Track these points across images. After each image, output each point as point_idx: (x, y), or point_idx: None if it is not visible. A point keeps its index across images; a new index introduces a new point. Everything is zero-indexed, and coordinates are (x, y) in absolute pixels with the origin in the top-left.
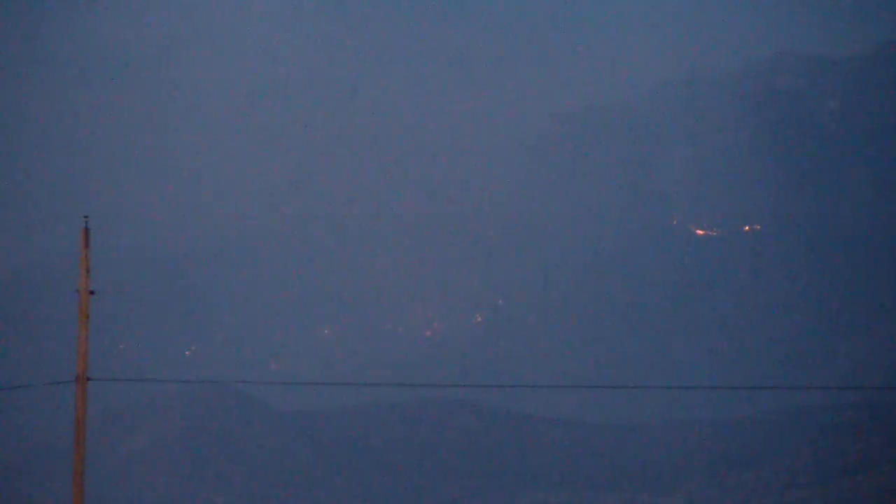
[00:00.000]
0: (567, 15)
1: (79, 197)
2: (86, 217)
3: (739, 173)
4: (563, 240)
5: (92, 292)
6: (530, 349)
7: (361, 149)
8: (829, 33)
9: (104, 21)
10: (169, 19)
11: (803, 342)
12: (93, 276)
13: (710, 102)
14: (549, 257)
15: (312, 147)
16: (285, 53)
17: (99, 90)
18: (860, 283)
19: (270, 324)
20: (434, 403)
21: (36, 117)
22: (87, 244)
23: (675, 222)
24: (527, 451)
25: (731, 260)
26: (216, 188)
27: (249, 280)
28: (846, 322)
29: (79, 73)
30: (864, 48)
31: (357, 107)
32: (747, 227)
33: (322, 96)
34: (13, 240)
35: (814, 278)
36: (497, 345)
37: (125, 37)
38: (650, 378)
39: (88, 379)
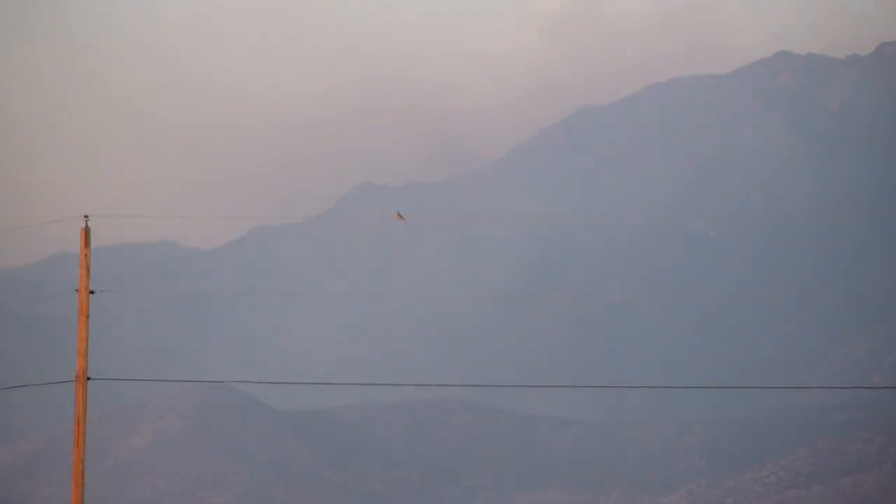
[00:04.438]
0: (566, 11)
1: (79, 197)
2: (86, 217)
3: (740, 173)
4: (562, 240)
5: (92, 292)
6: (530, 349)
7: (360, 147)
8: (829, 33)
9: (105, 21)
10: (172, 20)
11: (803, 342)
12: (93, 276)
13: (710, 102)
14: (550, 258)
15: (312, 146)
16: (287, 57)
17: (101, 89)
18: (860, 283)
19: (270, 324)
20: (434, 403)
21: (36, 117)
22: (87, 244)
23: (674, 222)
24: (527, 451)
25: (731, 260)
26: (217, 188)
27: (250, 281)
28: (846, 322)
29: (80, 73)
30: (865, 48)
31: (354, 101)
32: (747, 227)
33: (324, 97)
34: (13, 240)
35: (814, 278)
36: (497, 345)
37: (128, 37)
38: (650, 378)
39: (88, 379)
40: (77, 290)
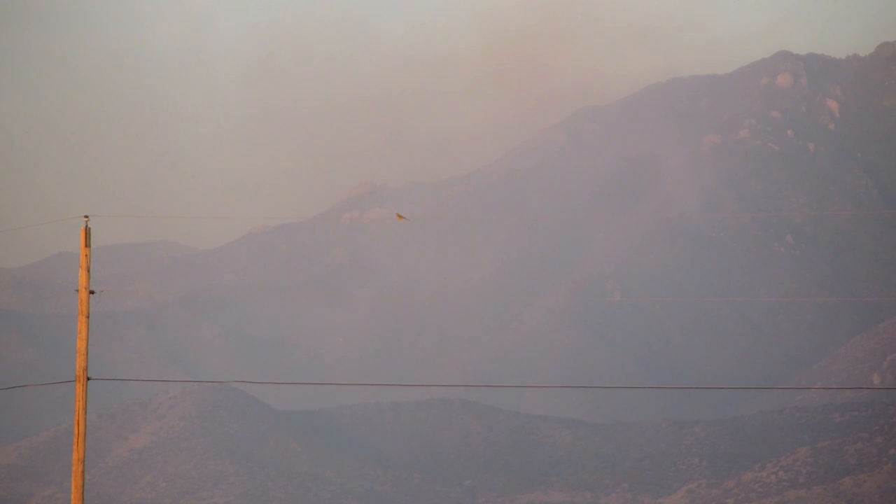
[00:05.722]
0: (563, 8)
1: (79, 197)
2: (86, 217)
3: (740, 173)
4: (562, 240)
5: (92, 292)
6: (530, 349)
7: (361, 147)
8: (829, 33)
9: (105, 22)
10: (172, 22)
11: (803, 342)
12: (92, 276)
13: (710, 102)
14: (550, 257)
15: (312, 147)
16: (288, 56)
17: (100, 89)
18: (861, 283)
19: (270, 324)
20: (434, 403)
21: (36, 117)
22: (87, 244)
23: (674, 222)
24: (527, 451)
25: (732, 260)
26: (217, 188)
27: (250, 281)
28: (846, 322)
29: (80, 73)
30: (865, 48)
31: (352, 94)
32: (747, 227)
33: (323, 97)
34: (13, 240)
35: (814, 278)
36: (497, 345)
37: (128, 38)
38: (649, 378)
39: (88, 379)
40: (77, 290)
